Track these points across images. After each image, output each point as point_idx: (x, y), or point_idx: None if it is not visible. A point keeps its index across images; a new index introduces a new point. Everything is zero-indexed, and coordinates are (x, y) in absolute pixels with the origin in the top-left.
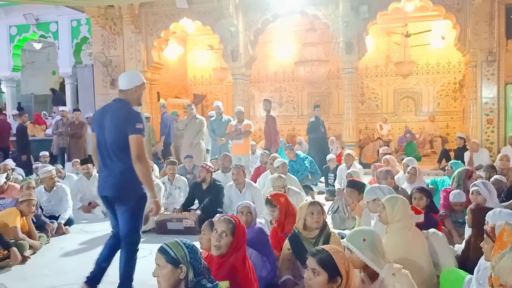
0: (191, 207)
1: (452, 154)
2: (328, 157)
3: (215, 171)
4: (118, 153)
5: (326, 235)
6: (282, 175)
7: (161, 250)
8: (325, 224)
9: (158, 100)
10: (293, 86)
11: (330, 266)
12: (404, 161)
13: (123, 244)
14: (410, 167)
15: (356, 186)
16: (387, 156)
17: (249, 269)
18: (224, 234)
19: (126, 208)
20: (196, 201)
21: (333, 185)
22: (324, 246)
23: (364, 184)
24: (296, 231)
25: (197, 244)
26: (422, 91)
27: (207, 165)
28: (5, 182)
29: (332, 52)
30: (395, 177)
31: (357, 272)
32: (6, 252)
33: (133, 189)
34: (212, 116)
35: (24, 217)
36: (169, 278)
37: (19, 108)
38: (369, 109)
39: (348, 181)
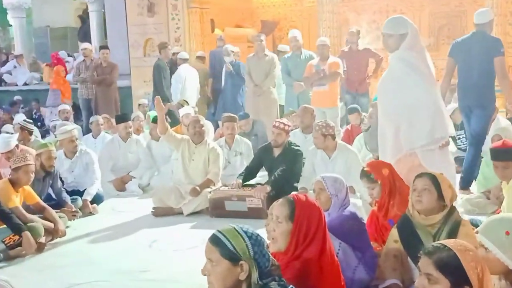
0: (256, 181)
1: None
2: (451, 106)
3: (291, 130)
4: (482, 72)
5: (454, 224)
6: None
7: (214, 240)
8: (452, 208)
9: (213, 31)
10: (407, 4)
11: (454, 271)
12: None
13: (473, 141)
14: None
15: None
16: None
17: (330, 273)
18: (278, 221)
19: (483, 113)
20: (264, 173)
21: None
22: (447, 241)
23: None
24: (409, 215)
25: (263, 233)
26: None
27: (283, 123)
28: (17, 145)
29: None
30: None
31: (494, 278)
32: (18, 238)
33: (490, 100)
34: (285, 52)
35: (23, 189)
36: (225, 278)
37: None
38: None
39: (491, 150)
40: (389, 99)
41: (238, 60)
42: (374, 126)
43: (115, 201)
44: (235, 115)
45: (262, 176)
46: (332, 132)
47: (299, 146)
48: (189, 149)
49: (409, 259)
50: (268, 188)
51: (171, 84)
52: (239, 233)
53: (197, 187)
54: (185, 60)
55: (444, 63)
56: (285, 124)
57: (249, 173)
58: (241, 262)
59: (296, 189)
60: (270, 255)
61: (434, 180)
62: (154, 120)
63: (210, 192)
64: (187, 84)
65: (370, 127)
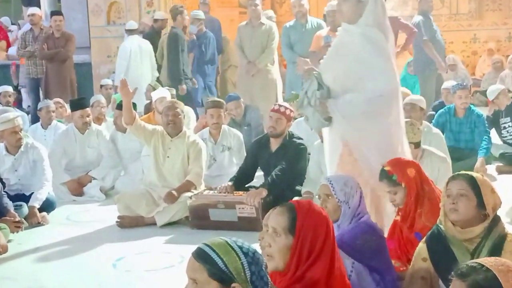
0: (249, 184)
1: None
2: (494, 89)
3: (295, 119)
4: None
5: (498, 238)
6: (415, 122)
7: (201, 256)
8: (495, 219)
9: None
10: None
11: None
12: None
13: None
14: None
15: None
16: None
17: None
18: (275, 234)
19: None
20: (260, 173)
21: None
22: (485, 260)
23: None
24: (441, 227)
25: (259, 248)
26: None
27: (284, 107)
28: None
29: None
30: None
31: None
32: None
33: None
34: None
35: None
36: None
37: None
38: None
39: None
40: (348, 85)
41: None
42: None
43: (70, 208)
44: (221, 100)
45: (258, 177)
46: None
47: (302, 139)
48: (163, 143)
49: (440, 282)
50: (264, 193)
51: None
52: (232, 248)
53: (174, 191)
54: (131, 32)
55: (489, 34)
56: (286, 108)
57: (243, 176)
58: (233, 284)
59: (299, 193)
60: (269, 277)
61: (473, 182)
62: (120, 106)
63: (190, 198)
64: (133, 62)
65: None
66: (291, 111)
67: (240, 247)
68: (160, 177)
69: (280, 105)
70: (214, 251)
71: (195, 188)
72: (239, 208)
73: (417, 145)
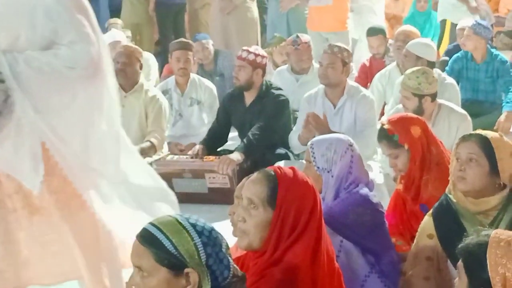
0: (222, 147)
1: None
2: None
3: (276, 68)
4: None
5: None
6: (428, 69)
7: (146, 239)
8: None
9: None
10: None
11: (477, 271)
12: None
13: None
14: None
15: None
16: None
17: (327, 286)
18: (252, 206)
19: None
20: (235, 134)
21: None
22: (503, 234)
23: None
24: (450, 197)
25: (226, 225)
26: None
27: (246, 51)
28: None
29: None
30: None
31: None
32: None
33: None
34: None
35: None
36: None
37: None
38: None
39: None
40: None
41: None
42: None
43: None
44: (189, 41)
45: (233, 138)
46: (350, 60)
47: (282, 89)
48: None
49: (448, 263)
50: (239, 157)
51: None
52: (184, 227)
53: None
54: None
55: None
56: (250, 52)
57: (214, 136)
58: (186, 270)
59: (281, 157)
60: (231, 259)
61: (486, 144)
62: None
63: (150, 165)
64: None
65: None
66: (261, 57)
67: (193, 225)
68: None
69: (244, 50)
70: (161, 231)
71: (155, 152)
72: (209, 178)
73: (433, 97)
